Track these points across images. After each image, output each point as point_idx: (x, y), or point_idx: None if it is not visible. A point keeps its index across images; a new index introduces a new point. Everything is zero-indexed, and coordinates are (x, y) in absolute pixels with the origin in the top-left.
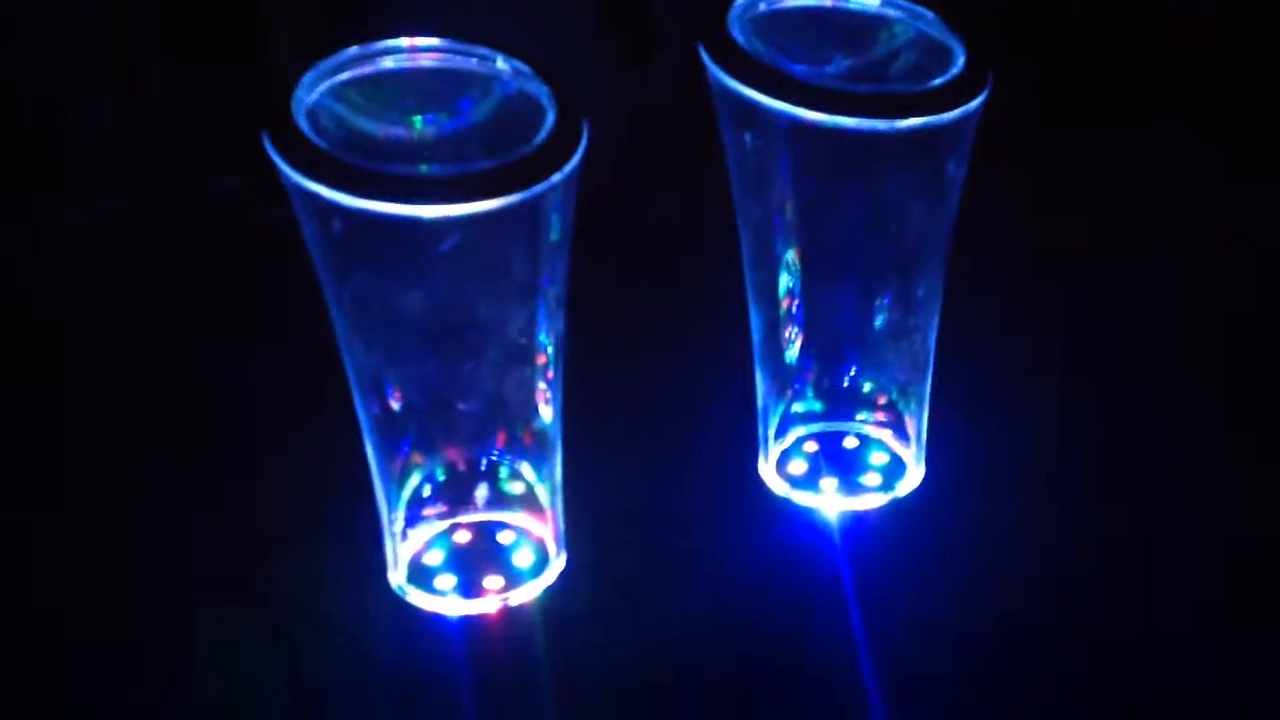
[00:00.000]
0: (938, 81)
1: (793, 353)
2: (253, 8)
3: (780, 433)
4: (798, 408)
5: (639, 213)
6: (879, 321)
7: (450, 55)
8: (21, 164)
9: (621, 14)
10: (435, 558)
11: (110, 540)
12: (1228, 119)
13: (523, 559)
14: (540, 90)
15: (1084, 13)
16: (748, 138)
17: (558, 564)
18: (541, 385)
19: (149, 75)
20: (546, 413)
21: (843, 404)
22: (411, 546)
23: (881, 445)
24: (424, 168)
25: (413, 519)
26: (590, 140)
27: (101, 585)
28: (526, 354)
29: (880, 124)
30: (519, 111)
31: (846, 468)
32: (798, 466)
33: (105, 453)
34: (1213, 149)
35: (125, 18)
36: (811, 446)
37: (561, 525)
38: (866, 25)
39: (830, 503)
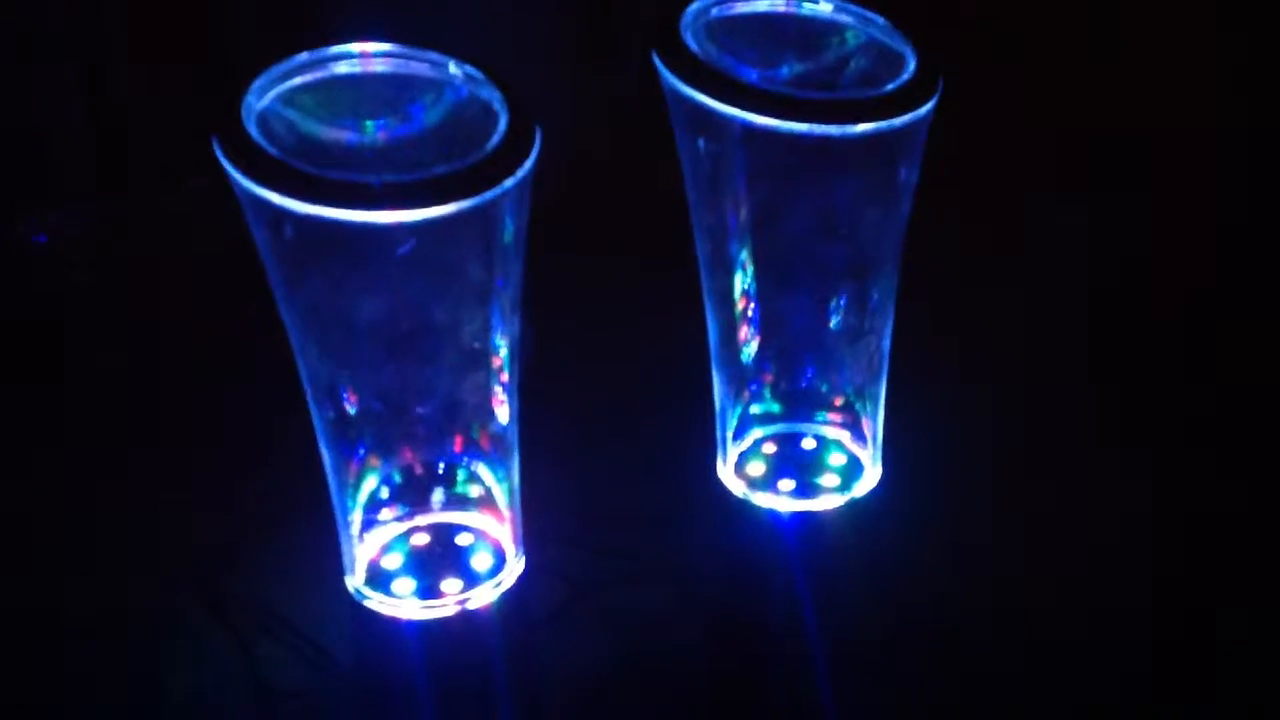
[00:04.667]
0: (889, 87)
1: (749, 355)
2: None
3: (738, 435)
4: (755, 410)
5: (601, 211)
6: (834, 324)
7: (402, 60)
8: None
9: (586, 10)
10: (393, 561)
11: (73, 544)
12: (1165, 126)
13: (481, 562)
14: (492, 95)
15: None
16: (701, 143)
17: (516, 566)
18: (498, 388)
19: (117, 75)
20: (503, 415)
21: (800, 406)
22: (369, 550)
23: (839, 446)
24: (376, 173)
25: (370, 523)
26: (543, 144)
27: (68, 587)
28: (482, 357)
29: (832, 129)
30: (471, 116)
31: (804, 469)
32: (756, 468)
33: (70, 454)
34: (1153, 157)
35: (93, 17)
36: (770, 448)
37: (520, 528)
38: (818, 31)
39: (788, 503)
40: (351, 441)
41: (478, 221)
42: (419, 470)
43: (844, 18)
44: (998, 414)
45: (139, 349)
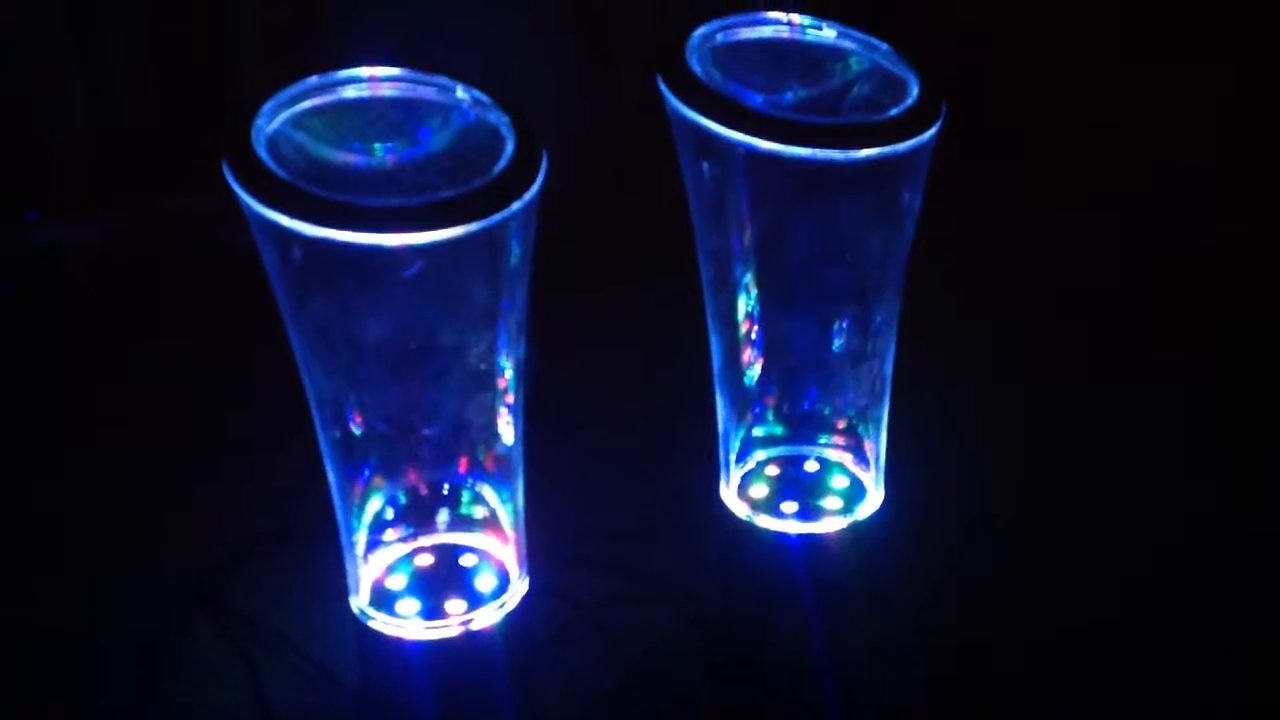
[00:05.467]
0: (893, 112)
1: (753, 378)
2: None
3: (741, 457)
4: (758, 432)
5: (603, 228)
6: (838, 347)
7: (410, 85)
8: None
9: (583, 19)
10: (397, 582)
11: (72, 547)
12: (1154, 129)
13: (485, 583)
14: (500, 119)
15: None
16: (706, 167)
17: (520, 587)
18: (503, 409)
19: (117, 75)
20: (508, 436)
21: (803, 428)
22: (373, 570)
23: (842, 469)
24: (384, 197)
25: (374, 543)
26: (549, 168)
27: (67, 591)
28: (487, 378)
29: (836, 154)
30: (479, 140)
31: (807, 492)
32: (759, 490)
33: (69, 455)
34: (1143, 160)
35: (95, 20)
36: (773, 470)
37: (524, 549)
38: (823, 57)
39: (791, 526)
40: (357, 462)
41: (484, 244)
42: (424, 491)
43: (847, 44)
44: (997, 427)
45: (139, 350)
